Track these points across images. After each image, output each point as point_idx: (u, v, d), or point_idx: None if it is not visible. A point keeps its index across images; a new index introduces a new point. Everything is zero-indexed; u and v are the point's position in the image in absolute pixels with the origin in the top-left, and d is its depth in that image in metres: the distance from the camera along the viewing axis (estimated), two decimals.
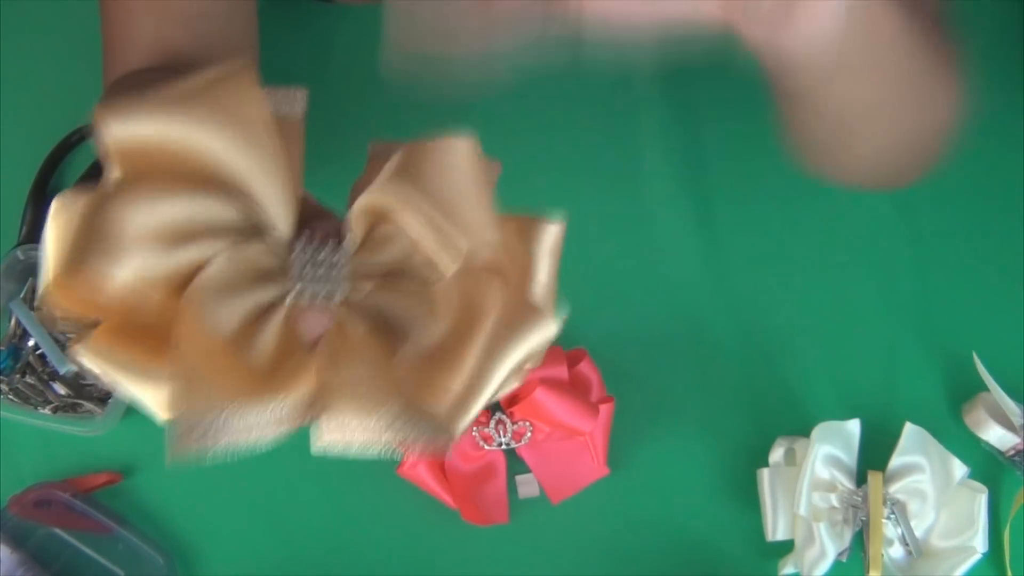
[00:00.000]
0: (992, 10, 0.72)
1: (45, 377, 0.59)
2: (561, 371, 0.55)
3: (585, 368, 0.57)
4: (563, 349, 0.57)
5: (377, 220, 0.27)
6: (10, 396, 0.58)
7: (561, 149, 0.67)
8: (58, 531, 0.56)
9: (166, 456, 0.25)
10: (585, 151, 0.67)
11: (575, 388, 0.56)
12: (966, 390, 0.61)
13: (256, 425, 0.26)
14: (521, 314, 0.27)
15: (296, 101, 0.28)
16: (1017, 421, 0.58)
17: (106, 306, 0.26)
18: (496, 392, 0.27)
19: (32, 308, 0.61)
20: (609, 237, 0.64)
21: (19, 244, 0.62)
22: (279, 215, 0.26)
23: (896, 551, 0.56)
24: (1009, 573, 0.57)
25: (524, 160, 0.67)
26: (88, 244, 0.25)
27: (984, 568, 0.56)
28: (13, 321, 0.60)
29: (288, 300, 0.27)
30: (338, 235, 0.27)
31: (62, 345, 0.59)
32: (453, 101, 0.68)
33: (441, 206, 0.26)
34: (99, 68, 0.52)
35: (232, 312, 0.26)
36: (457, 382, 0.26)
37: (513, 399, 0.55)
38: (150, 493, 0.57)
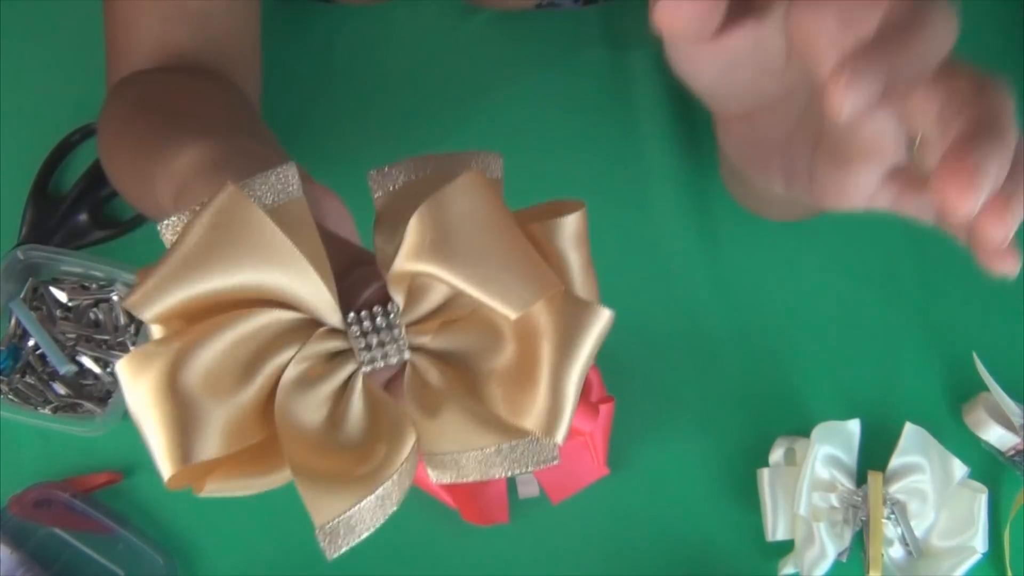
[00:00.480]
0: (992, 10, 0.72)
1: (45, 377, 0.59)
2: None
3: None
4: None
5: (414, 279, 0.27)
6: (10, 396, 0.58)
7: (560, 149, 0.67)
8: (58, 531, 0.56)
9: (326, 556, 0.27)
10: (584, 152, 0.67)
11: None
12: (966, 390, 0.61)
13: (387, 496, 0.27)
14: (575, 312, 0.27)
15: (290, 180, 0.27)
16: (1017, 421, 0.58)
17: (214, 464, 0.27)
18: (580, 388, 0.27)
19: (32, 308, 0.61)
20: (609, 237, 0.64)
21: (19, 244, 0.62)
22: (322, 306, 0.27)
23: (896, 551, 0.56)
24: (1009, 573, 0.57)
25: (524, 160, 0.67)
26: (182, 436, 0.25)
27: (984, 568, 0.56)
28: (13, 321, 0.60)
29: (362, 372, 0.28)
30: (384, 296, 0.28)
31: (62, 345, 0.59)
32: (452, 100, 0.68)
33: (475, 259, 0.26)
34: (101, 68, 0.52)
35: (318, 403, 0.27)
36: (542, 397, 0.27)
37: None
38: (150, 493, 0.57)
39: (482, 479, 0.27)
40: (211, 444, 0.25)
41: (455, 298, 0.27)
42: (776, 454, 0.58)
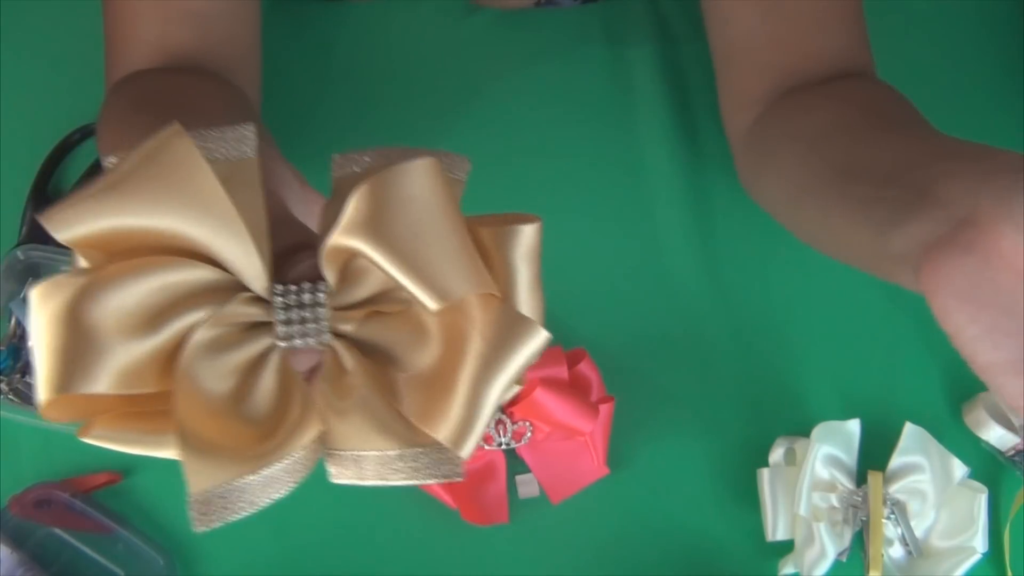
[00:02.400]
0: (992, 10, 0.72)
1: None
2: (561, 371, 0.55)
3: (585, 368, 0.57)
4: (563, 349, 0.57)
5: (348, 259, 0.26)
6: (10, 396, 0.58)
7: (560, 148, 0.67)
8: (58, 531, 0.56)
9: (194, 527, 0.26)
10: (584, 151, 0.67)
11: (575, 388, 0.56)
12: (966, 390, 0.61)
13: (275, 480, 0.26)
14: (509, 327, 0.26)
15: (246, 141, 0.26)
16: (1017, 421, 0.58)
17: (103, 405, 0.26)
18: (497, 406, 0.27)
19: None
20: (609, 237, 0.64)
21: (19, 244, 0.62)
22: (249, 269, 0.26)
23: (896, 551, 0.56)
24: (1009, 573, 0.57)
25: (523, 159, 0.67)
26: (70, 363, 0.24)
27: (984, 568, 0.56)
28: (13, 321, 0.60)
29: (278, 348, 0.27)
30: (316, 274, 0.27)
31: None
32: (451, 99, 0.68)
33: (410, 250, 0.25)
34: (100, 68, 0.52)
35: (226, 371, 0.26)
36: (456, 407, 0.26)
37: (513, 399, 0.55)
38: (150, 493, 0.57)
39: (380, 483, 0.26)
40: (99, 380, 0.24)
41: (388, 292, 0.27)
42: (776, 454, 0.58)
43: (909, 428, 0.57)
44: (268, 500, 0.26)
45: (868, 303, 0.64)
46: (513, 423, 0.55)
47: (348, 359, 0.27)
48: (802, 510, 0.54)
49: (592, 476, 0.57)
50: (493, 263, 0.27)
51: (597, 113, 0.69)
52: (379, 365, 0.27)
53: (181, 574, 0.55)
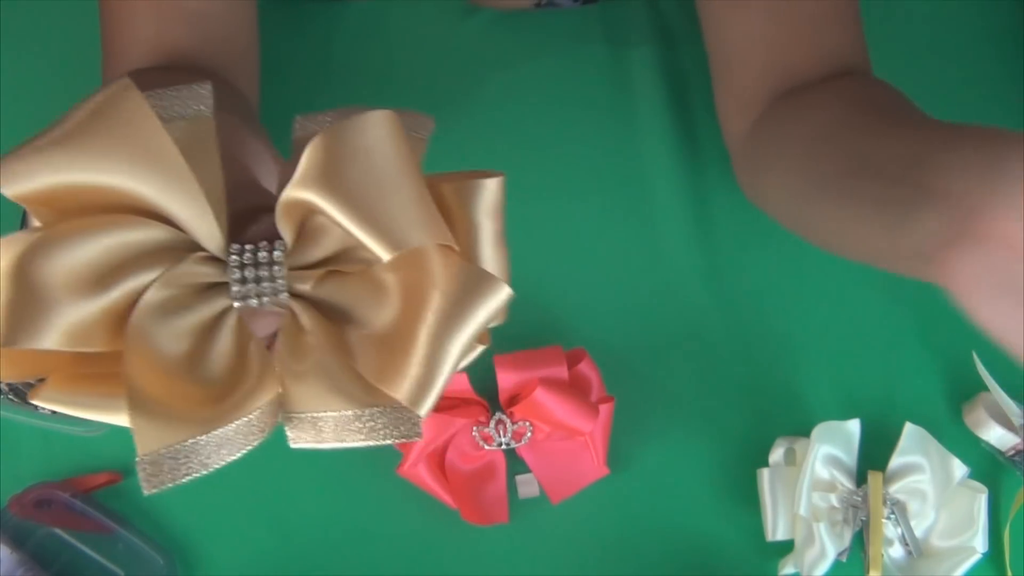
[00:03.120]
0: (992, 10, 0.72)
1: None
2: (561, 371, 0.55)
3: (585, 368, 0.57)
4: (563, 349, 0.57)
5: (304, 215, 0.26)
6: (10, 396, 0.58)
7: (559, 148, 0.67)
8: (58, 531, 0.56)
9: (142, 488, 0.25)
10: (583, 152, 0.67)
11: (575, 388, 0.56)
12: (966, 390, 0.61)
13: (228, 442, 0.25)
14: (469, 282, 0.26)
15: (201, 99, 0.26)
16: (1017, 421, 0.58)
17: (53, 363, 0.26)
18: (458, 364, 0.26)
19: None
20: (609, 237, 0.64)
21: None
22: (204, 229, 0.25)
23: (896, 551, 0.56)
24: (1009, 573, 0.57)
25: (522, 159, 0.67)
26: (18, 316, 0.24)
27: (984, 568, 0.56)
28: None
29: (234, 308, 0.26)
30: (273, 234, 0.26)
31: None
32: (450, 98, 0.68)
33: (363, 198, 0.24)
34: (99, 69, 0.52)
35: (179, 334, 0.25)
36: (415, 365, 0.25)
37: (513, 399, 0.55)
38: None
39: (338, 445, 0.26)
40: (46, 336, 0.24)
41: (347, 251, 0.26)
42: (776, 454, 0.58)
43: (909, 428, 0.57)
44: (220, 462, 0.25)
45: (868, 303, 0.64)
46: (513, 423, 0.55)
47: (306, 319, 0.26)
48: (802, 510, 0.54)
49: (592, 476, 0.57)
50: (455, 219, 0.27)
51: (597, 114, 0.69)
52: (337, 325, 0.27)
53: (181, 574, 0.56)
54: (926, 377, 0.62)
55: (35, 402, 0.26)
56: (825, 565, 0.54)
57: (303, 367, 0.26)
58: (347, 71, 0.68)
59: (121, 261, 0.25)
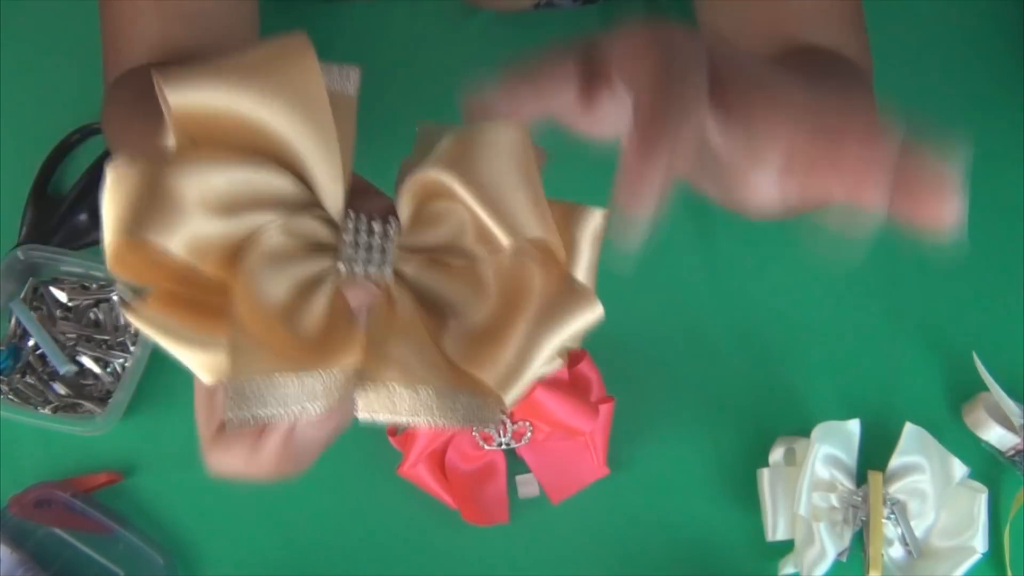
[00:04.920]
0: (992, 10, 0.72)
1: (45, 377, 0.59)
2: (561, 371, 0.55)
3: (585, 368, 0.57)
4: None
5: (427, 198, 0.27)
6: (10, 396, 0.58)
7: (558, 150, 0.67)
8: (58, 531, 0.56)
9: (225, 416, 0.26)
10: (583, 152, 0.67)
11: (575, 388, 0.56)
12: (966, 390, 0.61)
13: (307, 392, 0.26)
14: (566, 295, 0.27)
15: (350, 79, 0.28)
16: (1017, 421, 0.58)
17: (162, 273, 0.26)
18: (540, 371, 0.27)
19: (32, 308, 0.61)
20: (609, 236, 0.64)
21: (19, 244, 0.62)
22: (331, 190, 0.27)
23: (896, 551, 0.56)
24: (1009, 573, 0.57)
25: None
26: (146, 211, 0.25)
27: (984, 568, 0.56)
28: (13, 321, 0.60)
29: (338, 271, 0.27)
30: (388, 213, 0.28)
31: (62, 345, 0.59)
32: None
33: (493, 185, 0.26)
34: (99, 67, 0.52)
35: (284, 282, 0.26)
36: (503, 358, 0.26)
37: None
38: (150, 493, 0.57)
39: (411, 421, 0.26)
40: (172, 236, 0.25)
41: (456, 245, 0.27)
42: (776, 454, 0.58)
43: (909, 428, 0.57)
44: (299, 408, 0.26)
45: (868, 303, 0.64)
46: (513, 423, 0.55)
47: (401, 299, 0.27)
48: (802, 510, 0.54)
49: (592, 476, 0.57)
50: (560, 237, 0.28)
51: None
52: (431, 313, 0.27)
53: (181, 574, 0.55)
54: (926, 377, 0.62)
55: (131, 319, 0.27)
56: (825, 565, 0.54)
57: (390, 338, 0.27)
58: None
59: (250, 197, 0.26)
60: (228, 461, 0.31)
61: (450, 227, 0.27)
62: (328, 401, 0.26)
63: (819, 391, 0.61)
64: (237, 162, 0.26)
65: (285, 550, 0.57)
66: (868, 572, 0.54)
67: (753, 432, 0.60)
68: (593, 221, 0.29)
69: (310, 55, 0.26)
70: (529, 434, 0.55)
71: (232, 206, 0.26)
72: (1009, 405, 0.58)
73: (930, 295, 0.64)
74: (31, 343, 0.60)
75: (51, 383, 0.59)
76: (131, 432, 0.58)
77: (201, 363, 0.27)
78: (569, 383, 0.56)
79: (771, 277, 0.64)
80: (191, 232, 0.25)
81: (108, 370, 0.59)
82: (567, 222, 0.29)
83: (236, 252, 0.26)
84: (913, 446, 0.56)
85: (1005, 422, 0.58)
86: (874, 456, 0.58)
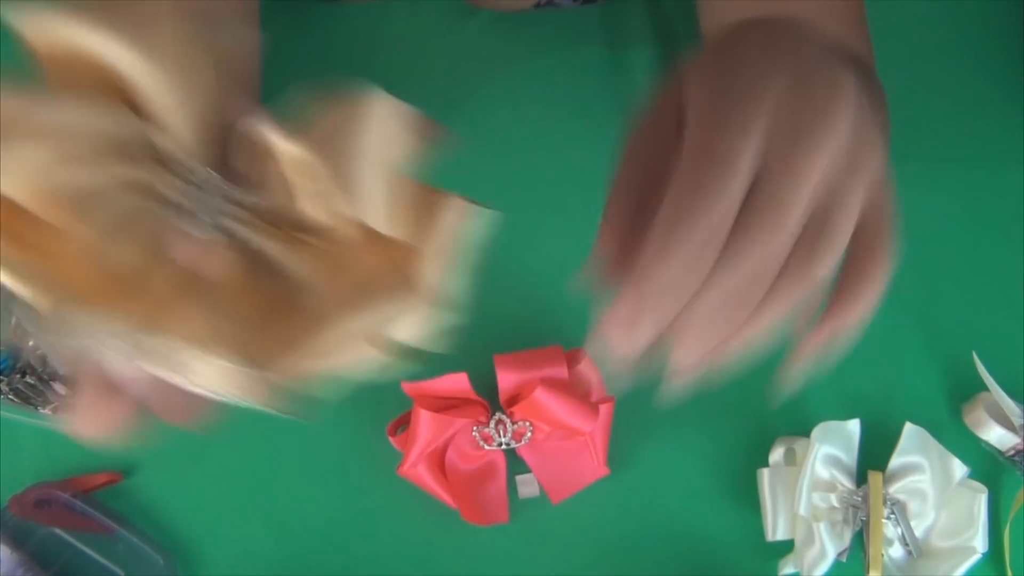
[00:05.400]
0: (992, 10, 0.72)
1: (45, 377, 0.59)
2: (561, 371, 0.55)
3: (585, 368, 0.57)
4: (563, 349, 0.57)
5: (276, 166, 0.27)
6: (10, 396, 0.58)
7: (559, 149, 0.67)
8: (58, 531, 0.56)
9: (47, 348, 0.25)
10: (583, 152, 0.67)
11: (575, 388, 0.56)
12: (966, 390, 0.61)
13: (110, 329, 0.26)
14: (397, 284, 0.26)
15: (236, 33, 0.27)
16: (1017, 421, 0.58)
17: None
18: (350, 356, 0.26)
19: (32, 308, 0.61)
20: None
21: None
22: (178, 140, 0.26)
23: (896, 551, 0.56)
24: (1009, 573, 0.57)
25: (522, 160, 0.67)
26: None
27: (984, 568, 0.56)
28: (13, 321, 0.60)
29: (170, 223, 0.26)
30: (236, 175, 0.27)
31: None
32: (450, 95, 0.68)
33: (346, 162, 0.25)
34: None
35: (107, 219, 0.26)
36: (307, 335, 0.26)
37: (513, 399, 0.55)
38: (150, 493, 0.57)
39: (187, 382, 0.26)
40: (10, 166, 0.25)
41: (298, 214, 0.27)
42: (776, 454, 0.58)
43: (909, 428, 0.57)
44: (104, 342, 0.26)
45: None
46: (513, 423, 0.55)
47: (229, 259, 0.27)
48: (802, 510, 0.54)
49: (592, 476, 0.57)
50: (414, 226, 0.28)
51: (597, 114, 0.69)
52: (255, 281, 0.27)
53: (181, 574, 0.55)
54: (926, 377, 0.62)
55: None
56: (825, 565, 0.54)
57: (203, 301, 0.26)
58: (346, 71, 0.68)
59: (90, 139, 0.25)
60: (76, 421, 0.29)
61: (303, 199, 0.27)
62: (129, 345, 0.26)
63: (819, 391, 0.61)
64: (80, 102, 0.25)
65: (285, 550, 0.57)
66: (868, 572, 0.54)
67: (753, 432, 0.60)
68: (453, 211, 0.28)
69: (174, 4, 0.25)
70: (529, 434, 0.55)
71: (70, 146, 0.25)
72: (1009, 405, 0.58)
73: (930, 295, 0.64)
74: (31, 343, 0.60)
75: (51, 383, 0.59)
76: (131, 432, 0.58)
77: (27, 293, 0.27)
78: (569, 383, 0.56)
79: None
80: (27, 160, 0.25)
81: None
82: (425, 208, 0.28)
83: (67, 194, 0.25)
84: (913, 446, 0.56)
85: (1005, 422, 0.58)
86: (874, 456, 0.58)
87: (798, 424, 0.59)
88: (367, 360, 0.28)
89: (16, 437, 0.58)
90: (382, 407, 0.58)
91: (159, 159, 0.26)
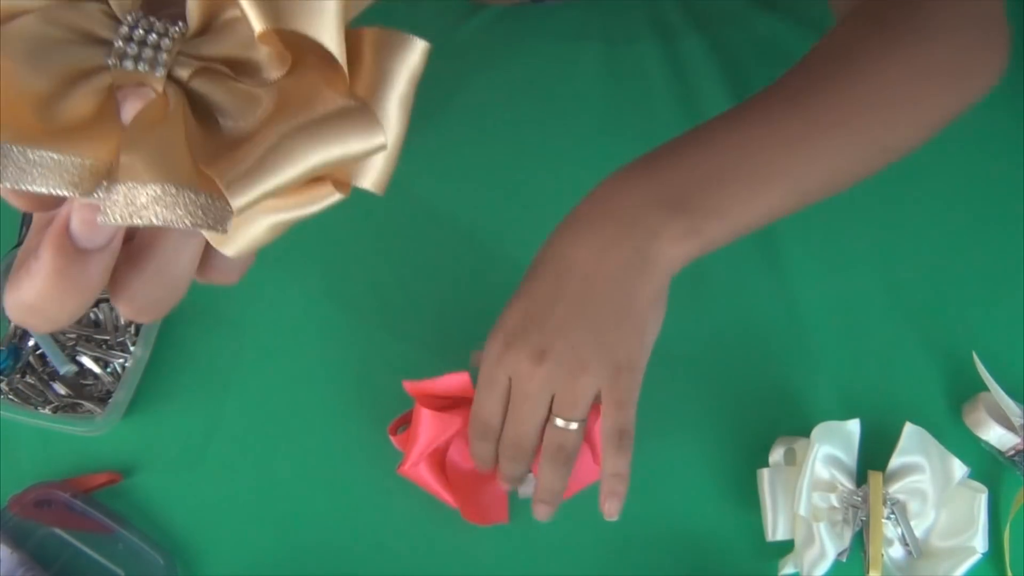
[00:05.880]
0: None
1: (45, 377, 0.59)
2: None
3: None
4: None
5: (218, 8, 0.26)
6: (10, 396, 0.58)
7: (559, 145, 0.67)
8: (58, 531, 0.56)
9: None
10: (583, 147, 0.67)
11: None
12: (966, 390, 0.61)
13: (44, 167, 0.25)
14: (349, 117, 0.26)
15: None
16: (1017, 421, 0.58)
17: None
18: (291, 182, 0.26)
19: None
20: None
21: (19, 244, 0.62)
22: None
23: (896, 551, 0.56)
24: (1009, 573, 0.57)
25: (522, 155, 0.67)
26: None
27: (984, 568, 0.56)
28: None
29: (108, 67, 0.26)
30: (179, 18, 0.26)
31: (62, 345, 0.59)
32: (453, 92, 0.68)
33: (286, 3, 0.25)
34: None
35: (45, 69, 0.25)
36: (248, 159, 0.25)
37: None
38: (150, 493, 0.57)
39: (144, 219, 0.25)
40: None
41: (242, 55, 0.26)
42: (776, 454, 0.58)
43: (909, 428, 0.57)
44: (31, 182, 0.25)
45: (868, 304, 0.64)
46: None
47: (172, 103, 0.26)
48: (802, 510, 0.54)
49: (592, 476, 0.57)
50: (364, 62, 0.27)
51: (596, 108, 0.69)
52: (201, 124, 0.26)
53: (181, 574, 0.55)
54: (926, 377, 0.62)
55: None
56: (825, 565, 0.54)
57: (144, 142, 0.26)
58: None
59: None
60: (17, 291, 0.27)
61: (236, 39, 0.26)
62: (66, 185, 0.25)
63: (819, 391, 0.61)
64: None
65: (285, 550, 0.57)
66: (868, 572, 0.54)
67: (753, 432, 0.60)
68: (411, 52, 0.28)
69: None
70: None
71: None
72: (1009, 405, 0.58)
73: (930, 295, 0.64)
74: (31, 343, 0.60)
75: (51, 383, 0.59)
76: (131, 432, 0.58)
77: None
78: None
79: (772, 277, 0.64)
80: None
81: (108, 370, 0.59)
82: (380, 48, 0.27)
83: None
84: (913, 446, 0.56)
85: (1005, 422, 0.58)
86: (874, 456, 0.58)
87: (798, 424, 0.59)
88: (317, 195, 0.27)
89: (16, 437, 0.58)
90: (382, 407, 0.58)
91: (96, 5, 0.26)
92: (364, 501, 0.58)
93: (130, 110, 0.27)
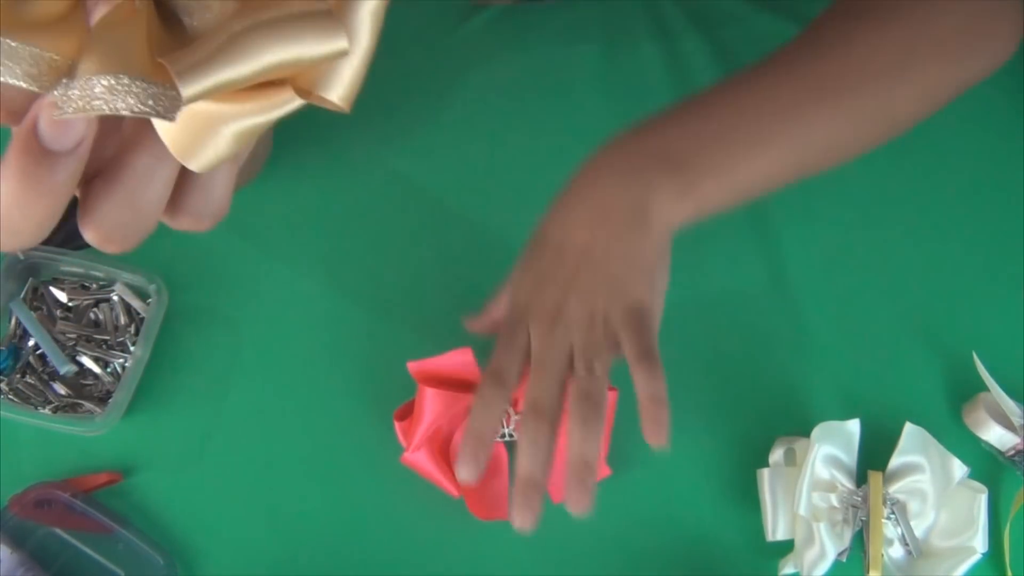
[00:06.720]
0: None
1: (45, 377, 0.59)
2: None
3: None
4: None
5: None
6: (10, 396, 0.58)
7: (560, 144, 0.67)
8: (58, 531, 0.56)
9: None
10: (584, 146, 0.67)
11: None
12: (966, 390, 0.61)
13: (10, 54, 0.25)
14: (311, 18, 0.25)
15: None
16: (1017, 421, 0.58)
17: None
18: (250, 74, 0.25)
19: (32, 308, 0.61)
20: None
21: None
22: None
23: (896, 551, 0.56)
24: (1009, 573, 0.57)
25: (521, 154, 0.67)
26: None
27: (984, 568, 0.56)
28: (13, 321, 0.60)
29: None
30: None
31: (62, 345, 0.59)
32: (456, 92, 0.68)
33: None
34: None
35: None
36: (205, 48, 0.25)
37: (515, 397, 0.55)
38: (150, 493, 0.57)
39: (97, 108, 0.25)
40: None
41: None
42: (776, 454, 0.58)
43: (909, 428, 0.57)
44: (20, 71, 0.25)
45: (868, 304, 0.64)
46: (516, 413, 0.55)
47: (137, 2, 0.26)
48: (802, 510, 0.54)
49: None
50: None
51: (596, 108, 0.69)
52: (167, 28, 0.26)
53: (181, 574, 0.55)
54: (926, 377, 0.62)
55: None
56: (825, 565, 0.54)
57: (105, 36, 0.25)
58: None
59: None
60: None
61: None
62: (29, 73, 0.25)
63: (819, 391, 0.61)
64: None
65: (285, 550, 0.57)
66: (868, 572, 0.54)
67: (753, 432, 0.60)
68: None
69: None
70: None
71: None
72: (1009, 405, 0.58)
73: (930, 295, 0.64)
74: (31, 343, 0.60)
75: (51, 383, 0.59)
76: (131, 432, 0.58)
77: None
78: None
79: (772, 277, 0.64)
80: None
81: (108, 370, 0.59)
82: None
83: None
84: (913, 446, 0.56)
85: (1005, 422, 0.58)
86: (874, 456, 0.58)
87: (798, 424, 0.59)
88: (277, 100, 0.27)
89: (16, 437, 0.58)
90: (384, 406, 0.58)
91: None
92: (365, 501, 0.58)
93: (98, 15, 0.26)
